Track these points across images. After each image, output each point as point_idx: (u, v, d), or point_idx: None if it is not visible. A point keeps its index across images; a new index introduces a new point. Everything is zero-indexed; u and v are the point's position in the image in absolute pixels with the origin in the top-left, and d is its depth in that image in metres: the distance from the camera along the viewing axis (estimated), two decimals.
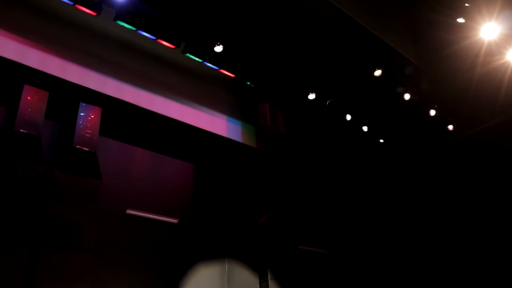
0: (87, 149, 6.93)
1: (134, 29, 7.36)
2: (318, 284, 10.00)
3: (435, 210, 10.92)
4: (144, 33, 7.48)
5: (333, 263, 10.60)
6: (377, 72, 8.88)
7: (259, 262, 9.25)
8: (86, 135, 7.02)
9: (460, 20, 8.48)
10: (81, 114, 7.06)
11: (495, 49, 8.57)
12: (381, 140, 10.66)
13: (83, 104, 7.15)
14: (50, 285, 6.19)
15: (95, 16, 7.10)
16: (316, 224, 10.66)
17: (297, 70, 8.88)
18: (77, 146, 6.84)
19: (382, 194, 11.59)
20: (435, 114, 9.80)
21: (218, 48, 7.92)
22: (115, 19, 7.17)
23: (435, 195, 10.94)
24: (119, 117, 8.00)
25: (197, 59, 8.25)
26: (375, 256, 11.44)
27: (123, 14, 7.08)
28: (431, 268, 10.67)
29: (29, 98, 6.52)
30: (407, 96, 9.42)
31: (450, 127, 10.09)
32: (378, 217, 11.52)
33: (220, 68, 8.54)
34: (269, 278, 9.01)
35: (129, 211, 7.77)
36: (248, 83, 9.19)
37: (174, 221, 8.30)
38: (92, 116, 7.19)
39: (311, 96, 9.25)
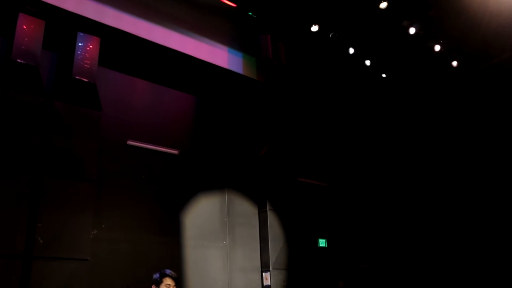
0: (86, 80, 6.87)
1: None
2: (315, 215, 10.27)
3: (435, 144, 10.98)
4: None
5: (331, 195, 10.82)
6: (383, 5, 8.61)
7: (258, 193, 9.46)
8: (85, 65, 6.93)
9: None
10: (79, 44, 6.93)
11: None
12: (384, 75, 10.55)
13: (81, 33, 7.00)
14: (54, 214, 6.37)
15: None
16: (315, 157, 10.77)
17: (300, 1, 8.61)
18: (77, 77, 6.78)
19: (382, 129, 11.62)
20: (440, 50, 9.60)
21: None
22: None
23: (437, 131, 10.96)
24: (118, 47, 7.87)
25: None
26: (372, 189, 11.67)
27: None
28: (431, 201, 10.90)
29: (24, 27, 6.38)
30: (412, 30, 9.20)
31: (455, 63, 9.92)
32: (378, 151, 11.63)
33: None
34: (268, 209, 9.25)
35: (130, 142, 7.84)
36: (250, 13, 8.95)
37: (175, 152, 8.38)
38: (91, 46, 7.06)
39: (314, 28, 9.04)
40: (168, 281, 3.02)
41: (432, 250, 10.61)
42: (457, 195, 10.35)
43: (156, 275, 3.08)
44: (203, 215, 8.47)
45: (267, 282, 8.80)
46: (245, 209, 9.21)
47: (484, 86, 10.04)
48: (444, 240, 10.42)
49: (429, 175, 10.95)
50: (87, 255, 6.58)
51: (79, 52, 6.89)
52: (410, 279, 10.93)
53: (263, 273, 8.93)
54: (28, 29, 6.41)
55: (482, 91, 10.09)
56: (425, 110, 11.11)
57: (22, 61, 6.23)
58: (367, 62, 9.99)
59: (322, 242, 10.16)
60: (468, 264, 9.87)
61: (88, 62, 6.97)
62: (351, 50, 9.61)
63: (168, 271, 3.05)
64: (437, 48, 9.57)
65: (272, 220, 9.22)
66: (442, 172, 10.73)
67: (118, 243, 7.24)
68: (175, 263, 7.70)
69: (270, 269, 8.83)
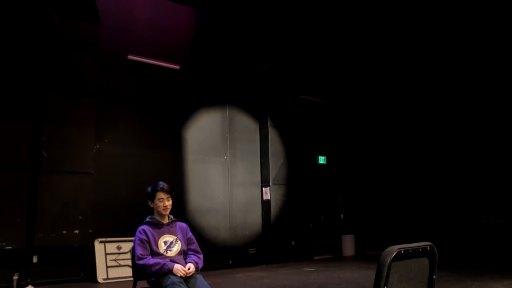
0: None
1: None
2: (316, 132, 10.38)
3: (437, 65, 10.81)
4: None
5: (332, 113, 10.86)
6: None
7: (260, 109, 9.49)
8: None
9: None
10: None
11: None
12: None
13: None
14: (57, 129, 6.45)
15: None
16: (317, 75, 10.68)
17: None
18: None
19: (385, 47, 11.36)
20: None
21: None
22: None
23: (443, 49, 10.73)
24: None
25: None
26: (373, 109, 11.68)
27: None
28: (430, 120, 10.92)
29: None
30: None
31: None
32: (380, 70, 11.47)
33: None
34: (269, 125, 9.33)
35: (131, 57, 7.74)
36: None
37: (176, 67, 8.30)
38: None
39: None
40: (160, 195, 3.05)
41: (428, 169, 10.80)
42: (456, 115, 10.34)
43: (148, 190, 3.13)
44: (204, 130, 8.57)
45: (266, 196, 9.07)
46: (246, 125, 9.29)
47: None
48: (439, 162, 10.58)
49: (429, 94, 10.87)
50: (91, 169, 6.76)
51: None
52: (406, 197, 11.24)
53: (263, 188, 9.19)
54: None
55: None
56: (432, 30, 10.78)
57: None
58: None
59: (321, 159, 10.36)
60: (461, 186, 10.10)
61: None
62: None
63: (160, 185, 3.07)
64: None
65: (273, 136, 9.34)
66: (442, 92, 10.64)
67: (121, 157, 7.39)
68: (176, 177, 7.91)
69: (270, 184, 9.07)
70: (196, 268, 2.99)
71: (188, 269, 2.91)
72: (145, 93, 7.86)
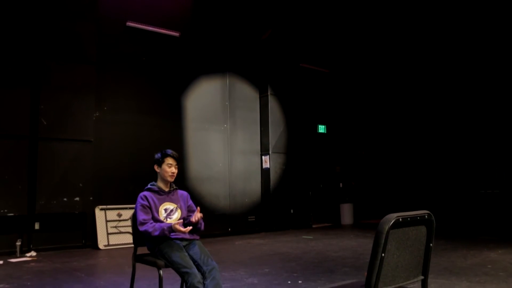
0: None
1: None
2: (316, 101, 10.34)
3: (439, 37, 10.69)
4: None
5: (333, 82, 10.80)
6: None
7: (260, 77, 9.43)
8: None
9: None
10: None
11: None
12: None
13: None
14: (56, 96, 6.42)
15: None
16: (318, 43, 10.57)
17: None
18: None
19: (388, 14, 11.20)
20: None
21: None
22: None
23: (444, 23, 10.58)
24: None
25: None
26: (374, 78, 11.59)
27: None
28: (430, 91, 10.87)
29: None
30: None
31: None
32: (383, 38, 11.33)
33: None
34: (269, 94, 9.29)
35: (130, 24, 7.64)
36: None
37: (176, 34, 8.21)
38: None
39: None
40: (169, 160, 3.09)
41: (427, 139, 10.80)
42: (457, 87, 10.27)
43: (157, 155, 3.16)
44: (204, 98, 8.53)
45: (266, 165, 9.11)
46: (246, 93, 9.24)
47: None
48: (438, 132, 10.56)
49: (430, 64, 10.77)
50: (91, 136, 6.76)
51: None
52: (404, 167, 11.27)
53: (263, 156, 9.21)
54: None
55: None
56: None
57: None
58: None
59: (321, 128, 10.36)
60: (460, 156, 10.12)
61: None
62: None
63: (169, 151, 3.12)
64: None
65: (273, 104, 9.31)
66: (442, 64, 10.54)
67: (120, 125, 7.38)
68: (176, 145, 7.91)
69: (270, 152, 9.09)
70: (199, 223, 3.02)
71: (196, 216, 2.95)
72: (144, 61, 7.79)
